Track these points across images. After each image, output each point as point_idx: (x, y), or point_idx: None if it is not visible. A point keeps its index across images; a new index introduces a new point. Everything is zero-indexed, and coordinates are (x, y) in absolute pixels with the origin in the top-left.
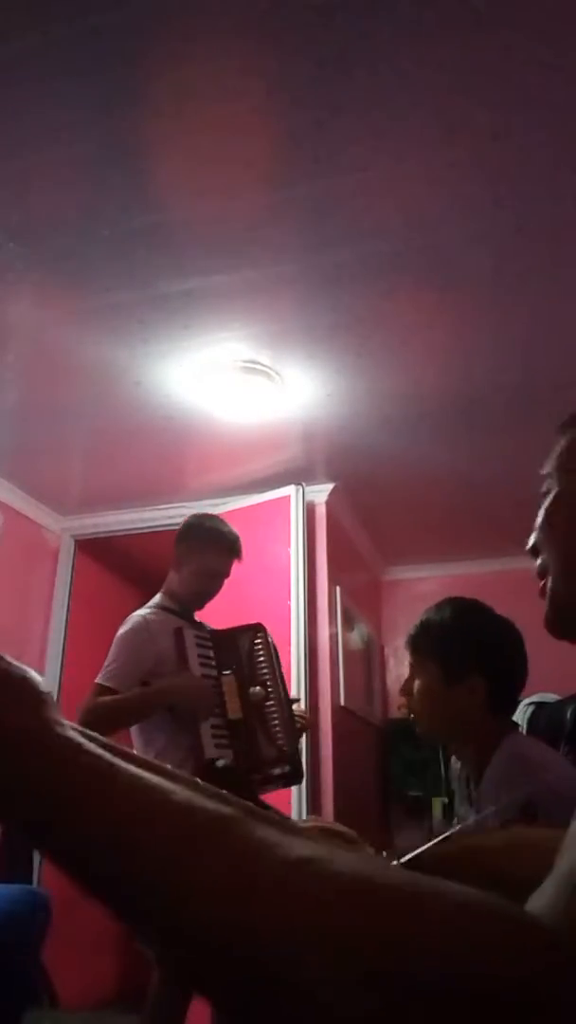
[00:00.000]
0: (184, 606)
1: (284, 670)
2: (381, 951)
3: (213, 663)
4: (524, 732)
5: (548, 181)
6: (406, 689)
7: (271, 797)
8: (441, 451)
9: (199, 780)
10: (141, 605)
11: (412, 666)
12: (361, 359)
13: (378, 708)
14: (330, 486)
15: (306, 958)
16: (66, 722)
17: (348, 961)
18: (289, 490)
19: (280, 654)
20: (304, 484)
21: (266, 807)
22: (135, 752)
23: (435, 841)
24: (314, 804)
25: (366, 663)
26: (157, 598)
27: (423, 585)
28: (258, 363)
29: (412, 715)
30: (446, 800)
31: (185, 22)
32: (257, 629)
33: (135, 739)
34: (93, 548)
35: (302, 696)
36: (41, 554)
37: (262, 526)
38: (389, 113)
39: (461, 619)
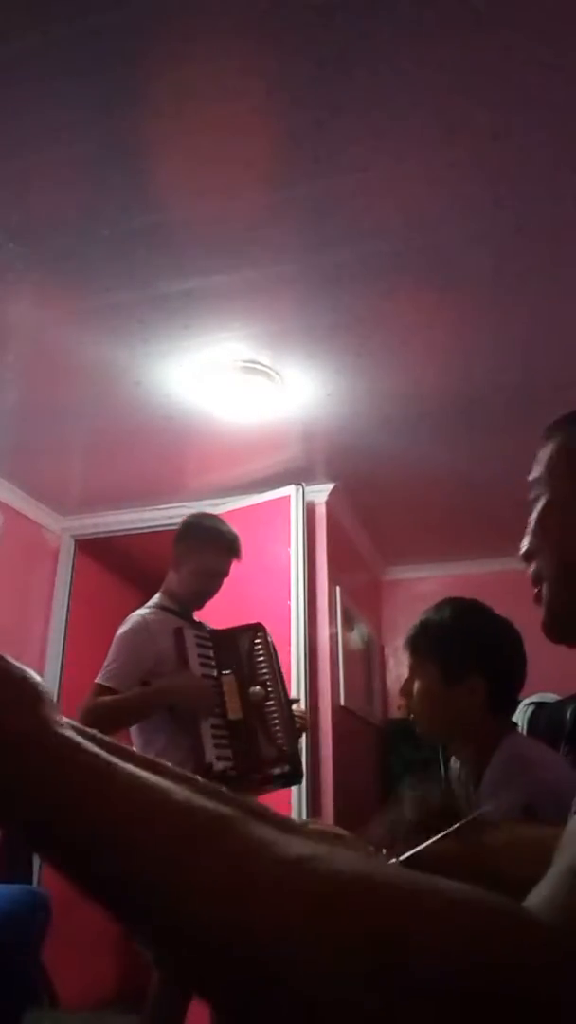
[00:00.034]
0: (183, 606)
1: (284, 670)
2: (380, 949)
3: (213, 663)
4: (524, 732)
5: (548, 181)
6: (406, 690)
7: (271, 797)
8: (441, 451)
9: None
10: (141, 605)
11: (412, 667)
12: (361, 359)
13: (378, 708)
14: (330, 486)
15: (305, 957)
16: (65, 721)
17: (347, 960)
18: (289, 490)
19: (280, 654)
20: (304, 484)
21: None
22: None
23: (434, 839)
24: (314, 804)
25: (366, 663)
26: (156, 598)
27: (423, 585)
28: (258, 363)
29: (412, 715)
30: None
31: (185, 22)
32: (257, 629)
33: (135, 739)
34: (93, 548)
35: (302, 696)
36: (41, 554)
37: (262, 526)
38: (389, 113)
39: (460, 619)
